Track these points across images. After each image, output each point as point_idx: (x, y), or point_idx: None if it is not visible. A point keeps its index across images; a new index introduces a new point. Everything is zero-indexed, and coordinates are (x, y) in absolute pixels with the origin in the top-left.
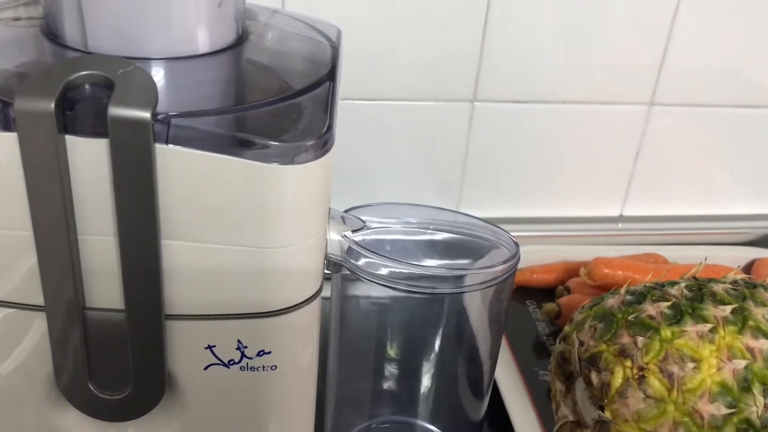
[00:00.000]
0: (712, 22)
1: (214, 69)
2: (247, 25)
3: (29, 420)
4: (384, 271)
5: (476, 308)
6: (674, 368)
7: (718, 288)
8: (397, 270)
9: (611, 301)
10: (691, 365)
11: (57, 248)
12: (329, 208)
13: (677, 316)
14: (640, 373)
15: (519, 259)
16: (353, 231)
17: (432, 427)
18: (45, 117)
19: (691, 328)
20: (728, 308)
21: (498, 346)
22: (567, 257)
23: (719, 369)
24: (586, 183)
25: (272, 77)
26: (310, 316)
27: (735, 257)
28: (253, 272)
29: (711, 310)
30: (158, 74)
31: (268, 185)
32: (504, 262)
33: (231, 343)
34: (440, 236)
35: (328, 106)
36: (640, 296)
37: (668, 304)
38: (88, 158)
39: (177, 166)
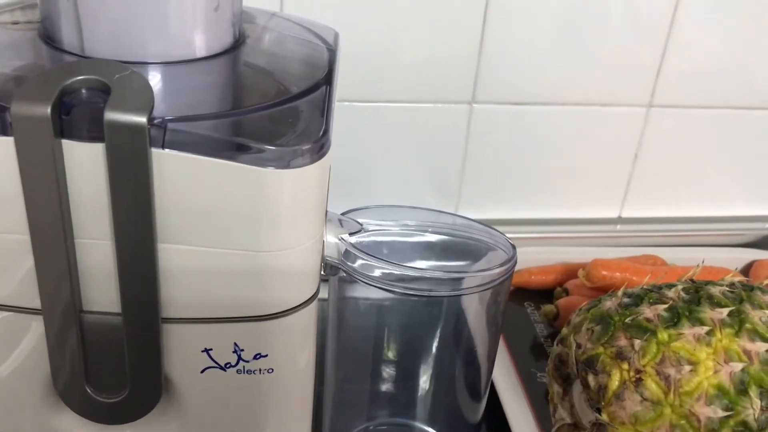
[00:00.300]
0: (711, 23)
1: (210, 73)
2: (244, 29)
3: (26, 423)
4: (381, 274)
5: (474, 310)
6: (671, 371)
7: (715, 290)
8: (394, 272)
9: (608, 304)
10: (687, 368)
11: (54, 252)
12: (326, 211)
13: (674, 318)
14: (637, 376)
15: (516, 262)
16: (350, 234)
17: (430, 429)
18: (41, 121)
19: (688, 330)
20: (725, 311)
21: (495, 348)
22: (565, 259)
23: (716, 372)
24: (584, 184)
25: (269, 81)
26: (307, 319)
27: (733, 259)
28: (250, 275)
29: (708, 313)
30: (155, 78)
31: (265, 189)
32: (501, 265)
33: (228, 346)
34: (437, 239)
35: (324, 109)
36: (638, 299)
37: (665, 306)
38: (85, 162)
39: (173, 171)
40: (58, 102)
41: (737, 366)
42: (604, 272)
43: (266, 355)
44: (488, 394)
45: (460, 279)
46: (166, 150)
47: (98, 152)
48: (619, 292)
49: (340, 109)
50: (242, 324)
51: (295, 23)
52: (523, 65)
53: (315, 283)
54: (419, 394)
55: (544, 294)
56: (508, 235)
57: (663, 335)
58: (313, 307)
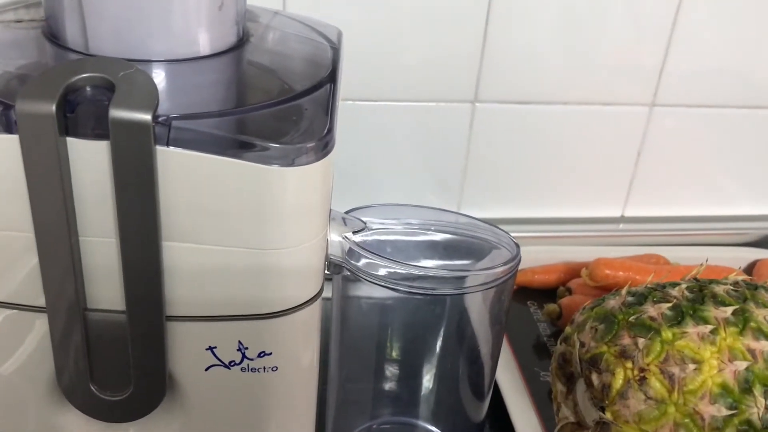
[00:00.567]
0: (714, 22)
1: (214, 71)
2: (248, 27)
3: (31, 421)
4: (385, 272)
5: (477, 309)
6: (675, 369)
7: (719, 289)
8: (398, 271)
9: (612, 302)
10: (692, 366)
11: (58, 250)
12: (330, 210)
13: (678, 317)
14: (641, 375)
15: (520, 260)
16: (354, 232)
17: (433, 428)
18: (46, 119)
19: (692, 329)
20: (729, 309)
21: (499, 347)
22: (568, 258)
23: (720, 370)
24: (587, 184)
25: (273, 79)
26: (311, 317)
27: (737, 258)
28: (254, 273)
29: (712, 312)
30: (159, 76)
31: (269, 187)
32: (505, 263)
33: (232, 344)
34: (441, 237)
35: (328, 107)
36: (641, 297)
37: (669, 305)
38: (89, 160)
39: (178, 168)
40: (63, 100)
41: (741, 365)
42: (607, 271)
43: (270, 353)
44: (491, 393)
45: (463, 277)
46: (171, 147)
47: (103, 150)
48: (623, 291)
49: (343, 108)
50: (246, 322)
51: (298, 22)
52: (526, 64)
53: (319, 281)
54: (422, 393)
55: (547, 293)
56: (512, 235)
57: (667, 334)
58: (317, 305)
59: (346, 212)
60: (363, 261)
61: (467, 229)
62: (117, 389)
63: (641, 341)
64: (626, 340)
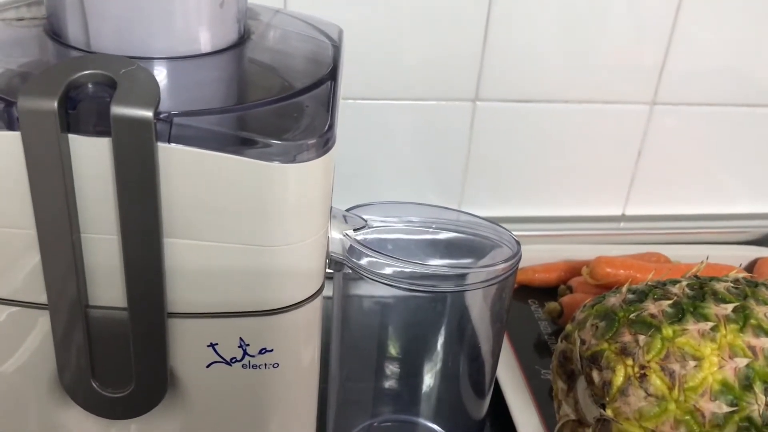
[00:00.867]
0: (714, 21)
1: (215, 68)
2: (249, 25)
3: (32, 417)
4: (385, 270)
5: (478, 307)
6: (675, 366)
7: (720, 286)
8: (399, 269)
9: (613, 300)
10: (692, 363)
11: (60, 247)
12: (331, 207)
13: (679, 314)
14: (642, 372)
15: (520, 258)
16: (355, 230)
17: (434, 426)
18: (48, 116)
19: (692, 326)
20: (730, 306)
21: (500, 345)
22: (569, 256)
23: (720, 367)
24: (588, 182)
25: (274, 76)
26: (312, 314)
27: (737, 256)
28: (255, 270)
29: (712, 309)
30: (160, 73)
31: (270, 184)
32: (505, 261)
33: (233, 340)
34: (442, 235)
35: (329, 105)
36: (642, 295)
37: (670, 302)
38: (91, 157)
39: (179, 165)
40: (65, 97)
41: (742, 361)
42: (608, 270)
43: (272, 350)
44: (492, 391)
45: (464, 275)
46: (172, 144)
47: (104, 147)
48: (624, 289)
49: (344, 107)
50: (248, 319)
51: (299, 20)
52: (527, 63)
53: (320, 278)
54: (423, 390)
55: (548, 292)
56: (513, 233)
57: (667, 331)
58: (318, 302)
59: (347, 210)
60: (364, 259)
61: (468, 227)
62: (118, 386)
63: (642, 338)
64: (627, 338)
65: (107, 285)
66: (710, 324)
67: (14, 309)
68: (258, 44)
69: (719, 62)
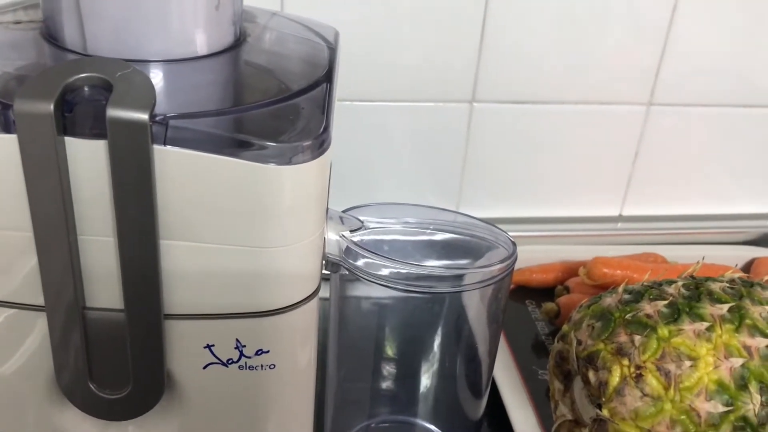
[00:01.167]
0: (710, 21)
1: (211, 71)
2: (245, 27)
3: (30, 419)
4: (382, 271)
5: (474, 307)
6: (671, 366)
7: (716, 287)
8: (395, 270)
9: (609, 300)
10: (688, 363)
11: (57, 249)
12: (327, 208)
13: (674, 314)
14: (638, 372)
15: (516, 259)
16: (351, 231)
17: (431, 426)
18: (44, 119)
19: (688, 326)
20: (725, 307)
21: (496, 345)
22: (566, 257)
23: (716, 367)
24: (585, 183)
25: (269, 79)
26: (309, 315)
27: (734, 256)
28: (251, 272)
29: (708, 309)
30: (156, 76)
31: (266, 185)
32: (501, 261)
33: (229, 342)
34: (438, 236)
35: (325, 106)
36: (638, 295)
37: (665, 302)
38: (87, 159)
39: (175, 167)
40: (61, 99)
41: (737, 361)
42: (605, 270)
43: (268, 351)
44: (489, 392)
45: (461, 276)
46: (168, 147)
47: (101, 149)
48: (620, 289)
49: (341, 108)
50: (244, 320)
51: (295, 22)
52: (524, 64)
53: (316, 279)
54: (420, 391)
55: (545, 292)
56: (509, 234)
57: (663, 331)
58: (314, 303)
59: (344, 211)
60: (360, 260)
61: (465, 228)
62: (116, 387)
63: (638, 338)
64: (623, 338)
65: (104, 287)
66: (706, 324)
67: (11, 311)
68: (254, 47)
69: (715, 63)
